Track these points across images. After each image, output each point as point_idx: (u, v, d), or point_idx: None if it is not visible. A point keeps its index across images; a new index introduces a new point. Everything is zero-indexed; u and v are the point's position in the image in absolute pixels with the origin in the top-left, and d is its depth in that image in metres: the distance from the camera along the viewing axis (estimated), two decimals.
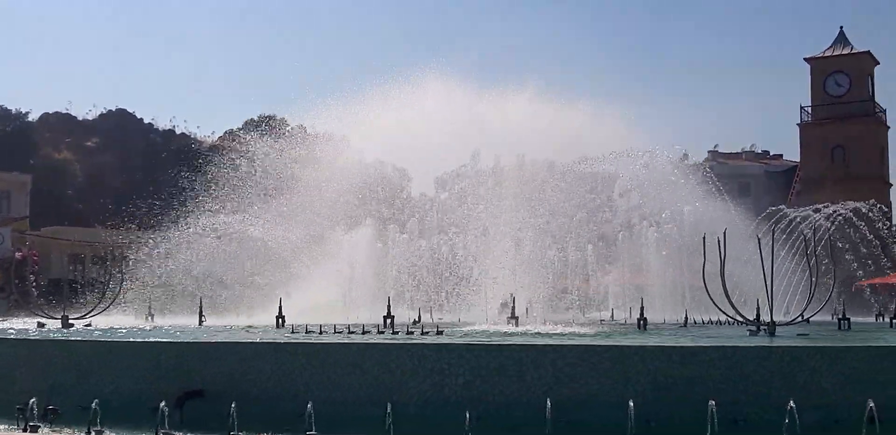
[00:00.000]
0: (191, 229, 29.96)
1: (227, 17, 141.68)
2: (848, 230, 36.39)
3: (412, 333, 16.06)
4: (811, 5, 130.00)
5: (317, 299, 27.82)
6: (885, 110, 61.23)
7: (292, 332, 16.47)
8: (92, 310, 21.89)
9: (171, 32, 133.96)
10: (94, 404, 10.07)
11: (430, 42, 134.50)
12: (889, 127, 61.64)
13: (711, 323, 21.93)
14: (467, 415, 9.19)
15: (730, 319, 16.98)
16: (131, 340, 13.46)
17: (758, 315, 15.70)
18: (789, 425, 8.90)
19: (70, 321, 20.16)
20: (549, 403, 9.28)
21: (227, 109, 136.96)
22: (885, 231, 42.97)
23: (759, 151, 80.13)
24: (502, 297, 23.52)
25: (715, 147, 79.58)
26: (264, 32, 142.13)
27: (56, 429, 10.44)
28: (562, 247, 27.84)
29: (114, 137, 74.24)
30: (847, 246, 35.78)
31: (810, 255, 17.75)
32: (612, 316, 27.71)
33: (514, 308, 18.67)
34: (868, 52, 60.06)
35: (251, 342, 12.72)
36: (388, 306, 18.64)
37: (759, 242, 16.38)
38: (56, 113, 77.46)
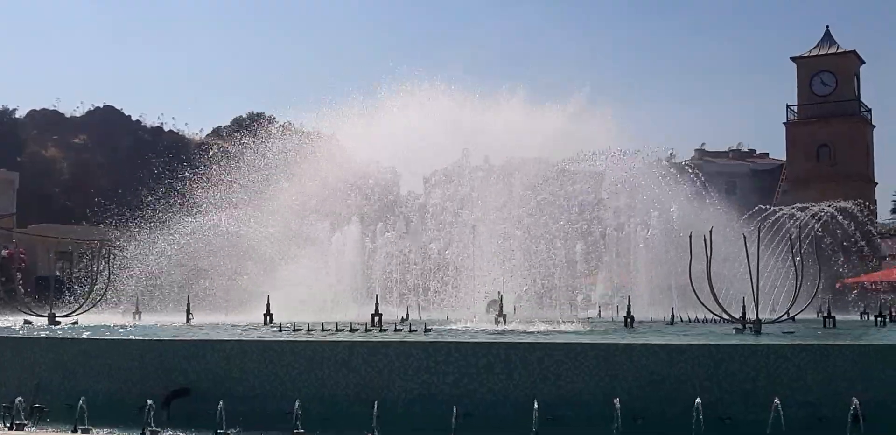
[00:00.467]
0: (179, 226, 29.88)
1: (216, 14, 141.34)
2: (834, 229, 36.60)
3: (400, 331, 16.07)
4: (797, 5, 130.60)
5: (304, 297, 27.80)
6: (870, 109, 61.59)
7: (280, 329, 16.45)
8: (79, 308, 21.79)
9: (160, 29, 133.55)
10: (80, 403, 10.05)
11: (420, 41, 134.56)
12: (874, 126, 61.99)
13: (698, 321, 22.01)
14: (454, 413, 9.21)
15: (716, 317, 17.06)
16: (118, 338, 13.42)
17: (744, 313, 15.77)
18: (774, 423, 8.96)
19: (57, 319, 20.09)
20: (536, 400, 9.31)
21: (216, 107, 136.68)
22: (871, 229, 43.21)
23: (746, 150, 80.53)
24: (490, 295, 23.57)
25: (702, 146, 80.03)
26: (254, 29, 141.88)
27: (42, 427, 10.41)
28: (550, 245, 27.90)
29: (101, 134, 73.87)
30: (833, 244, 35.99)
31: (796, 253, 17.86)
32: (600, 314, 27.78)
33: (501, 306, 18.69)
34: (854, 52, 60.36)
35: (238, 340, 12.71)
36: (376, 304, 18.64)
37: (745, 241, 16.48)
38: (43, 110, 77.01)
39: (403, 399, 10.54)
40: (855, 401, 9.01)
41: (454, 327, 17.85)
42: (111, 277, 23.65)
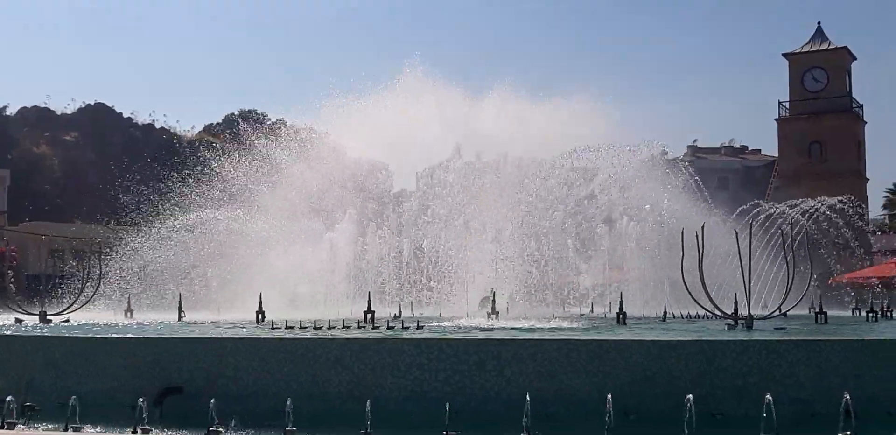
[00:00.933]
0: (171, 223, 29.80)
1: (207, 11, 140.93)
2: (825, 225, 36.67)
3: (393, 328, 16.06)
4: (789, 1, 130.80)
5: (297, 294, 27.78)
6: (862, 106, 61.71)
7: (272, 327, 16.42)
8: (70, 305, 21.74)
9: (151, 26, 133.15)
10: (72, 401, 10.02)
11: (413, 37, 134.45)
12: (866, 122, 62.16)
13: (690, 317, 22.05)
14: (447, 409, 9.21)
15: (708, 313, 17.10)
16: (110, 336, 13.38)
17: (736, 309, 15.81)
18: (766, 419, 8.97)
19: (48, 317, 20.03)
20: (528, 397, 9.31)
21: (208, 104, 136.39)
22: (862, 226, 43.35)
23: (738, 146, 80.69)
24: (483, 291, 23.56)
25: (694, 142, 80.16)
26: (246, 27, 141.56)
27: (34, 426, 10.38)
28: (542, 241, 27.91)
29: (92, 132, 73.71)
30: (824, 241, 36.06)
31: (787, 249, 17.89)
32: (592, 310, 27.81)
33: (494, 303, 18.70)
34: (846, 48, 60.48)
35: (231, 338, 12.69)
36: (369, 301, 18.63)
37: (737, 237, 16.51)
38: (34, 107, 76.81)
39: (396, 396, 10.53)
40: (846, 396, 9.03)
41: (447, 324, 17.85)
42: (102, 274, 23.58)
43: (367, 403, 9.33)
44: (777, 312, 17.42)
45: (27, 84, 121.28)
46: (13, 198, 59.01)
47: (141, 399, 9.82)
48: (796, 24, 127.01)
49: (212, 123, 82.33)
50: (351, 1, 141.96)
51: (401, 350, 10.90)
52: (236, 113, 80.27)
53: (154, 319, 21.30)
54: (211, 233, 30.10)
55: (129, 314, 23.09)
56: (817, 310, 18.70)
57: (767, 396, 9.01)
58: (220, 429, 9.52)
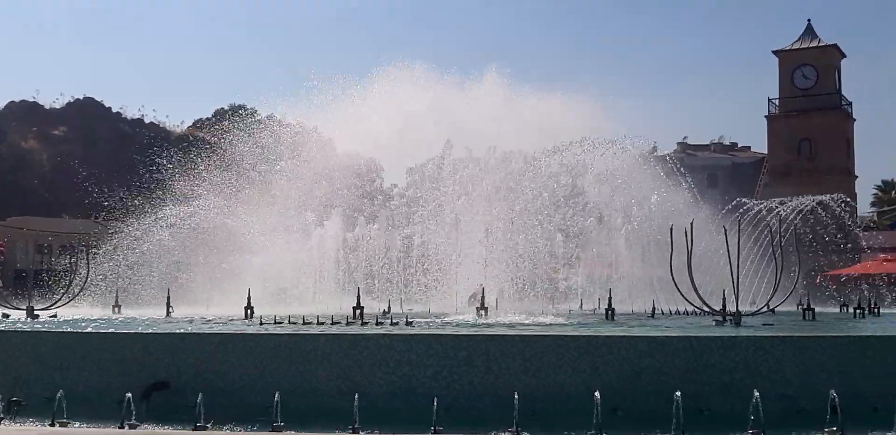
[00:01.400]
0: (159, 218, 29.69)
1: (197, 6, 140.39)
2: (813, 223, 36.81)
3: (381, 323, 16.05)
4: None
5: (285, 289, 27.74)
6: (850, 103, 61.86)
7: (261, 323, 16.40)
8: (58, 301, 21.65)
9: (141, 20, 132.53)
10: (58, 396, 9.97)
11: (403, 33, 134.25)
12: (855, 120, 62.33)
13: (679, 313, 22.11)
14: (435, 405, 9.21)
15: (697, 309, 17.15)
16: (97, 331, 13.33)
17: (724, 305, 15.86)
18: (753, 415, 9.00)
19: (35, 312, 19.92)
20: (516, 393, 9.31)
21: (198, 99, 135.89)
22: (850, 223, 43.51)
23: (728, 143, 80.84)
24: (472, 287, 23.57)
25: (684, 139, 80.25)
26: (236, 21, 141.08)
27: (20, 421, 10.33)
28: (531, 237, 27.92)
29: (81, 126, 73.35)
30: (812, 237, 36.20)
31: (776, 246, 17.96)
32: (581, 306, 27.86)
33: (483, 299, 18.71)
34: (835, 45, 60.63)
35: (218, 333, 12.65)
36: (358, 297, 18.62)
37: (726, 234, 16.55)
38: (22, 101, 76.36)
39: (384, 392, 10.52)
40: (833, 393, 9.06)
41: (436, 320, 17.85)
42: (90, 269, 23.49)
43: (356, 399, 9.32)
44: (765, 309, 17.49)
45: (15, 78, 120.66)
46: (0, 192, 58.72)
47: (128, 394, 9.78)
48: (787, 21, 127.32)
49: (201, 118, 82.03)
50: (350, 0, 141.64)
51: (389, 346, 10.88)
52: (226, 108, 79.99)
53: (142, 315, 21.23)
54: (198, 227, 30.01)
55: (116, 309, 23.01)
56: (805, 306, 18.79)
57: (754, 392, 9.05)
58: (208, 424, 9.50)
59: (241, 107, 75.63)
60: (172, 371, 11.28)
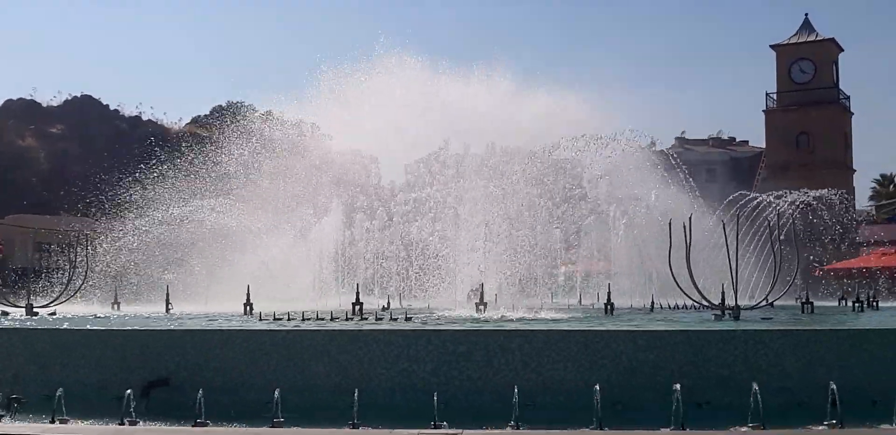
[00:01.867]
0: (157, 215, 29.66)
1: (195, 2, 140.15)
2: (811, 217, 36.82)
3: (381, 319, 16.05)
4: None
5: (284, 286, 27.72)
6: (848, 97, 61.86)
7: (260, 319, 16.39)
8: (57, 298, 21.65)
9: (138, 17, 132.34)
10: (58, 393, 9.97)
11: (400, 29, 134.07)
12: (853, 114, 62.33)
13: (678, 308, 22.11)
14: (435, 400, 9.21)
15: (696, 303, 17.15)
16: (96, 328, 13.33)
17: (723, 299, 15.87)
18: (753, 408, 9.01)
19: (34, 310, 19.94)
20: (516, 387, 9.32)
21: (195, 96, 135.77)
22: (848, 217, 43.50)
23: (726, 138, 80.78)
24: (471, 283, 23.55)
25: (682, 134, 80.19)
26: (233, 17, 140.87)
27: (20, 418, 10.33)
28: (530, 233, 27.91)
29: (79, 124, 73.24)
30: (811, 231, 36.21)
31: (774, 240, 17.96)
32: (580, 301, 27.86)
33: (482, 294, 18.71)
34: (832, 40, 60.59)
35: (218, 330, 12.66)
36: (357, 293, 18.61)
37: (725, 228, 16.56)
38: (20, 99, 76.25)
39: (384, 388, 10.53)
40: (832, 386, 9.07)
41: (435, 316, 17.85)
42: (89, 267, 23.48)
43: (355, 395, 9.33)
44: (764, 303, 17.50)
45: (12, 76, 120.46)
46: None
47: (128, 391, 9.78)
48: (784, 15, 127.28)
49: (199, 115, 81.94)
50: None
51: (388, 341, 10.89)
52: (224, 105, 79.90)
53: (141, 311, 21.22)
54: (197, 224, 29.99)
55: (115, 306, 23.01)
56: (804, 300, 18.79)
57: (754, 386, 9.05)
58: (208, 421, 9.50)
59: (238, 104, 75.59)
60: (172, 368, 11.28)
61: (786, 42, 61.20)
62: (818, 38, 60.38)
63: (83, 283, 22.91)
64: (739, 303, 15.77)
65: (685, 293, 16.71)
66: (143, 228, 29.34)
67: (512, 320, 15.25)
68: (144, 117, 79.11)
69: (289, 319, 16.06)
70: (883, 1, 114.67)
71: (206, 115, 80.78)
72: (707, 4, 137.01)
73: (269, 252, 29.65)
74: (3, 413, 10.22)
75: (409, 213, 31.56)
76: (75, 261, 22.85)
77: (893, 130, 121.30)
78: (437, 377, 10.47)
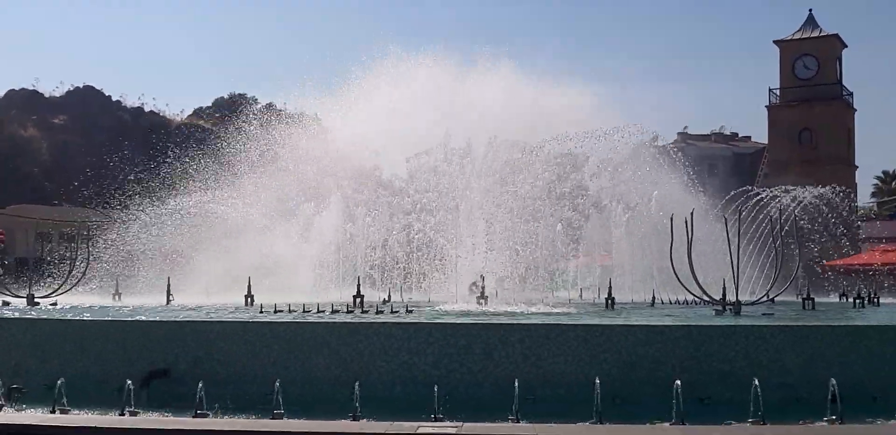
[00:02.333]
0: (159, 206, 29.67)
1: (194, 2, 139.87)
2: (813, 212, 36.77)
3: (381, 312, 16.06)
4: None
5: (286, 279, 27.73)
6: (851, 93, 61.73)
7: (261, 311, 16.40)
8: (58, 289, 21.68)
9: (140, 8, 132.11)
10: (59, 383, 9.99)
11: (402, 23, 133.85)
12: (856, 110, 62.22)
13: (679, 303, 22.11)
14: (435, 393, 9.21)
15: (696, 298, 17.15)
16: (97, 319, 13.34)
17: (724, 295, 15.87)
18: (753, 404, 9.01)
19: (36, 300, 19.97)
20: (516, 380, 9.33)
21: (197, 87, 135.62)
22: (849, 213, 43.49)
23: (728, 133, 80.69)
24: (472, 276, 23.54)
25: (684, 129, 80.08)
26: (236, 9, 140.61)
27: (20, 408, 10.35)
28: (531, 227, 27.89)
29: (81, 115, 73.20)
30: (812, 227, 36.15)
31: (776, 236, 17.94)
32: (581, 296, 27.86)
33: (483, 288, 18.71)
34: (836, 36, 60.46)
35: (219, 322, 12.65)
36: (358, 286, 18.62)
37: (726, 224, 16.54)
38: (22, 90, 76.26)
39: (384, 380, 10.53)
40: (832, 382, 9.07)
41: (436, 309, 17.86)
42: (90, 258, 23.50)
43: (356, 387, 9.33)
44: (765, 298, 17.49)
45: (15, 66, 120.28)
46: (0, 181, 58.69)
47: (128, 382, 9.79)
48: (788, 11, 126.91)
49: (201, 107, 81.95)
50: None
51: (389, 334, 10.89)
52: (226, 97, 79.89)
53: (142, 303, 21.23)
54: (199, 216, 29.97)
55: (117, 297, 23.02)
56: (805, 296, 18.79)
57: (754, 381, 9.06)
58: (208, 412, 9.51)
59: (241, 96, 75.56)
60: (172, 359, 11.29)
61: (789, 38, 61.07)
62: (822, 34, 60.24)
63: (84, 273, 22.92)
64: (740, 298, 15.77)
65: (686, 288, 16.71)
66: (145, 219, 29.35)
67: (513, 314, 15.25)
68: (147, 108, 79.11)
69: (289, 312, 16.07)
70: (885, 0, 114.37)
71: (208, 107, 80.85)
72: (710, 0, 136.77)
73: (270, 244, 29.66)
74: (3, 403, 10.23)
75: (410, 206, 31.52)
76: (76, 251, 22.87)
77: None
78: (438, 370, 10.48)
